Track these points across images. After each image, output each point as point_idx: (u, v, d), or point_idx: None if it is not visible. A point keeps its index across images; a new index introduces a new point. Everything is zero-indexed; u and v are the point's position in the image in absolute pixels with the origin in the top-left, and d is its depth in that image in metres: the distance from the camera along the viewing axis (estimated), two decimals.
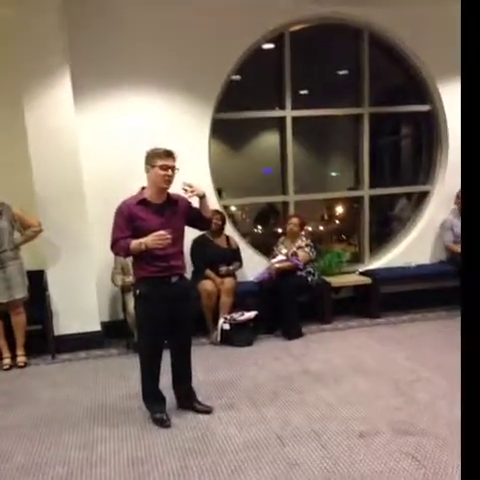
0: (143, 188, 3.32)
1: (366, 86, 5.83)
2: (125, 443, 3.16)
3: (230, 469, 2.80)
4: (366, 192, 6.04)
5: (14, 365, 4.60)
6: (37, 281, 4.79)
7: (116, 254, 3.48)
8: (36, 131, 4.64)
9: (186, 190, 3.26)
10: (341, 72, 6.30)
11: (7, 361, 4.61)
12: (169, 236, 3.12)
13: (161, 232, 3.11)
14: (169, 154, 3.21)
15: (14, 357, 4.65)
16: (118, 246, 3.23)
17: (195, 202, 3.41)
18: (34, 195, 4.68)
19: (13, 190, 4.60)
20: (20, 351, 4.65)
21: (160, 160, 3.18)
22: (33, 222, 4.61)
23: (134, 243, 3.15)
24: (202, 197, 3.34)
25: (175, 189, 3.31)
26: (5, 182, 4.66)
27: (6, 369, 4.55)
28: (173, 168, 3.21)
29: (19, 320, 4.63)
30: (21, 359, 4.63)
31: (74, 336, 4.90)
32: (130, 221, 3.20)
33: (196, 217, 3.42)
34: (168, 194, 3.30)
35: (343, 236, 6.89)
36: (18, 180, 4.72)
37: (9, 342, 4.66)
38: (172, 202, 3.31)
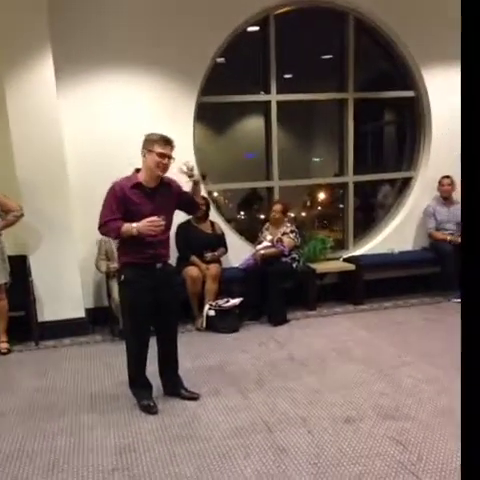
0: (137, 170, 3.26)
1: (351, 71, 5.80)
2: (112, 430, 3.15)
3: (218, 455, 2.82)
4: (350, 178, 6.03)
5: None
6: (20, 266, 4.71)
7: (104, 234, 3.40)
8: (18, 114, 4.53)
9: (185, 172, 3.23)
10: (326, 56, 6.26)
11: None
12: (163, 223, 3.09)
13: (154, 218, 3.07)
14: (168, 142, 3.16)
15: None
16: (108, 227, 3.15)
17: (185, 185, 3.38)
18: (16, 179, 4.58)
19: None
20: (3, 337, 4.60)
21: (158, 147, 3.12)
22: (14, 206, 4.50)
23: (126, 226, 3.08)
24: (197, 182, 3.31)
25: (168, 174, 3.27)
26: None
27: None
28: (169, 157, 3.16)
29: (1, 306, 4.56)
30: (4, 345, 4.58)
31: (58, 323, 4.85)
32: (123, 204, 3.14)
33: (188, 201, 3.40)
34: (161, 178, 3.25)
35: (325, 222, 6.91)
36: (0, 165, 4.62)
37: None
38: (165, 186, 3.27)
